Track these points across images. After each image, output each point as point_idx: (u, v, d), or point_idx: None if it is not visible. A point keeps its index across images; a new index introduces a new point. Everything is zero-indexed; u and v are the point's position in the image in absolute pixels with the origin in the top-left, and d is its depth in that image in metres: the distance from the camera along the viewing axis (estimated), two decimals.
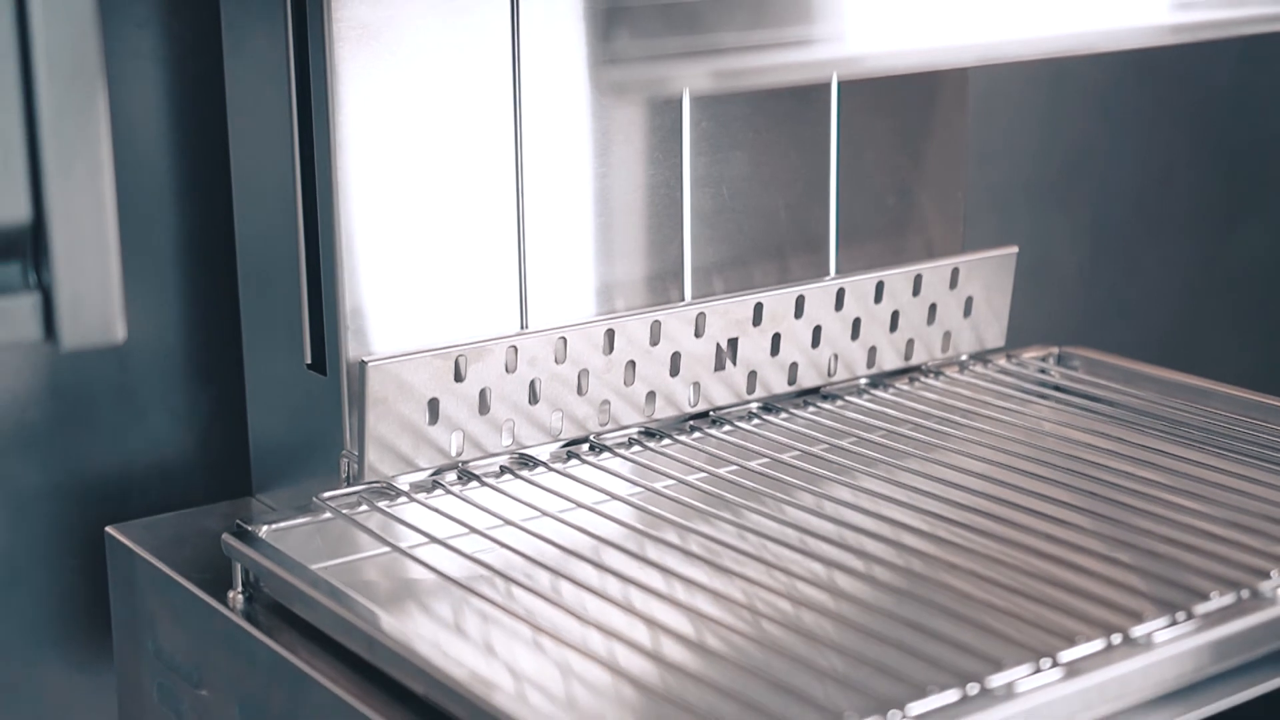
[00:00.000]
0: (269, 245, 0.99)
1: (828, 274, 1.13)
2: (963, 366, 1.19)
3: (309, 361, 0.98)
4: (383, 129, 0.94)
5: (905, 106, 1.17)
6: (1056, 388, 1.16)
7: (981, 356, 1.21)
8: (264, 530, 0.90)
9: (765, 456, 1.02)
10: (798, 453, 1.03)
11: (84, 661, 1.07)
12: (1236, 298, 1.65)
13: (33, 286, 0.68)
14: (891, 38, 0.76)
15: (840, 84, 1.13)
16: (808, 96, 1.12)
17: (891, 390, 1.14)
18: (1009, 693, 0.74)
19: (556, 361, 0.99)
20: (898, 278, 1.14)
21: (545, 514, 0.93)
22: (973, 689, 0.74)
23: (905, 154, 1.17)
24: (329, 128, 0.92)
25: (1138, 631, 0.79)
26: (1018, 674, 0.75)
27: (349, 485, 0.95)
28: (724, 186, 1.08)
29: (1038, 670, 0.75)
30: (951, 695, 0.73)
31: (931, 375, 1.17)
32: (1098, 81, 1.49)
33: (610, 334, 1.01)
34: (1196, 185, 1.59)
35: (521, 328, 1.00)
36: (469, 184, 0.98)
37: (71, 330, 0.68)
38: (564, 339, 0.99)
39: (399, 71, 0.94)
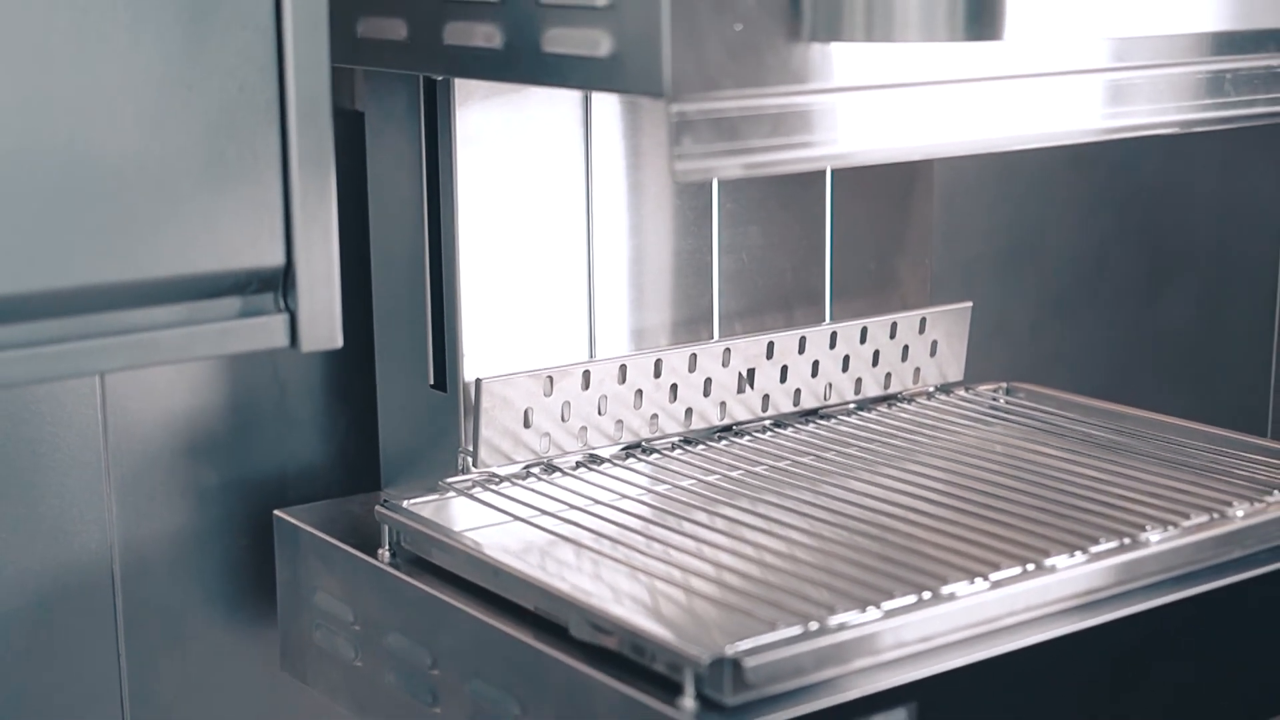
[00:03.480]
0: (400, 294, 1.27)
1: (824, 321, 1.38)
2: (930, 395, 1.43)
3: (432, 382, 1.27)
4: (490, 206, 1.21)
5: (884, 191, 1.41)
6: (1004, 412, 1.41)
7: (945, 388, 1.45)
8: (406, 503, 1.19)
9: (775, 459, 1.29)
10: (801, 457, 1.30)
11: (249, 619, 1.34)
12: (1159, 354, 1.86)
13: (282, 309, 0.94)
14: (871, 140, 1.00)
15: (833, 174, 1.37)
16: (808, 184, 1.37)
17: (874, 412, 1.40)
18: (951, 597, 1.03)
19: (618, 383, 1.27)
20: (878, 325, 1.39)
21: (612, 492, 1.21)
22: (926, 595, 1.02)
23: (884, 228, 1.42)
24: (453, 205, 1.20)
25: (1046, 562, 1.07)
26: (958, 586, 1.03)
27: (463, 475, 1.25)
28: (743, 253, 1.35)
29: (972, 583, 1.04)
30: (910, 598, 1.02)
31: (905, 401, 1.42)
32: (1043, 172, 1.70)
33: (658, 363, 1.29)
34: (1126, 260, 1.80)
35: (590, 357, 1.28)
36: (552, 248, 1.25)
37: (308, 339, 0.96)
38: (624, 366, 1.27)
39: (503, 163, 1.21)
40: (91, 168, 0.87)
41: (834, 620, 0.99)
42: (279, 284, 0.95)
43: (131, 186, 0.88)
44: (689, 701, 0.95)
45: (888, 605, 1.01)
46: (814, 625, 0.98)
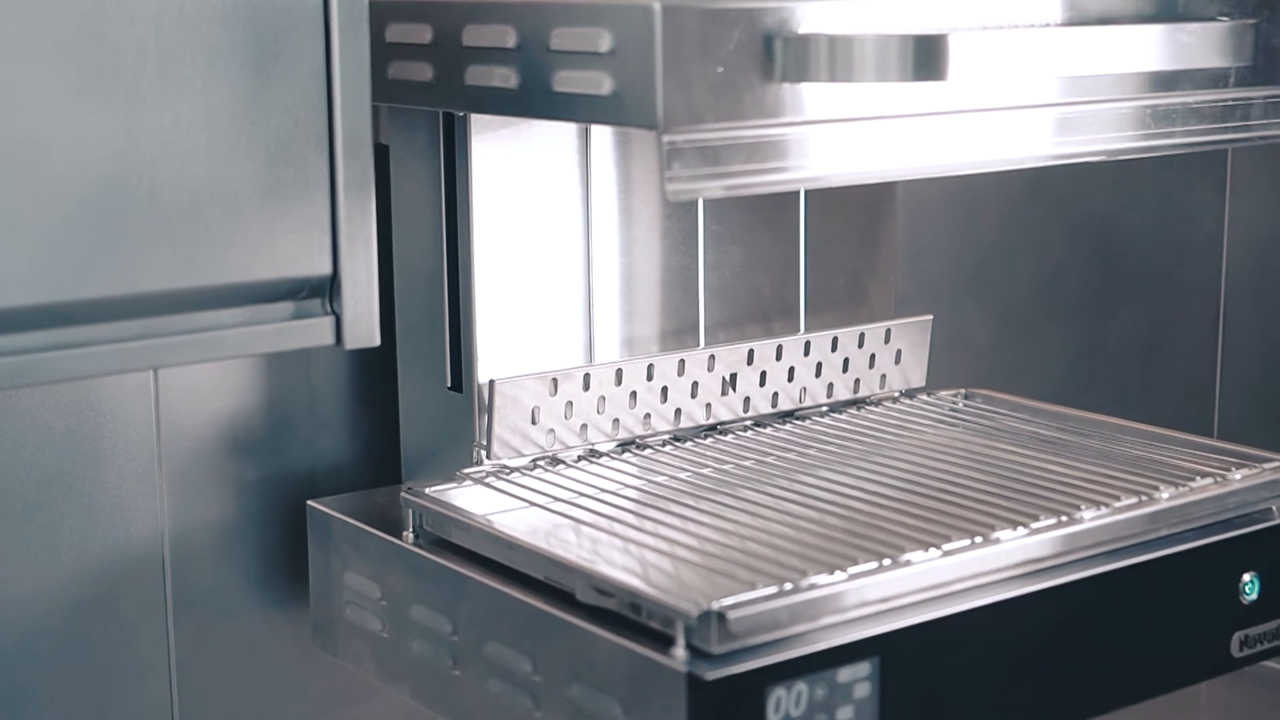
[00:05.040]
0: (421, 305, 1.40)
1: (799, 331, 1.49)
2: (895, 399, 1.56)
3: (449, 384, 1.40)
4: (501, 227, 1.34)
5: (853, 215, 1.52)
6: (962, 414, 1.54)
7: (909, 393, 1.56)
8: (428, 489, 1.34)
9: (756, 455, 1.42)
10: (778, 452, 1.43)
11: (282, 600, 1.47)
12: (1111, 366, 1.95)
13: (329, 312, 1.08)
14: (836, 165, 1.13)
15: (807, 200, 1.48)
16: (784, 208, 1.47)
17: (844, 414, 1.52)
18: (908, 564, 1.17)
19: (615, 385, 1.40)
20: (848, 335, 1.51)
21: (610, 481, 1.35)
22: (886, 562, 1.16)
23: (853, 249, 1.53)
24: (468, 226, 1.34)
25: (992, 535, 1.20)
26: (914, 554, 1.17)
27: (477, 466, 1.39)
28: (726, 270, 1.46)
29: (926, 552, 1.19)
30: (872, 564, 1.16)
31: (872, 404, 1.55)
32: (1001, 198, 1.80)
33: (651, 368, 1.42)
34: (1079, 280, 1.90)
35: (589, 361, 1.41)
36: (555, 264, 1.38)
37: (351, 338, 1.09)
38: (620, 370, 1.40)
39: (512, 189, 1.34)
40: (171, 190, 1.02)
41: (805, 581, 1.13)
42: (326, 290, 1.09)
43: (204, 206, 1.03)
44: (680, 651, 1.09)
45: (852, 570, 1.15)
46: (788, 585, 1.13)
